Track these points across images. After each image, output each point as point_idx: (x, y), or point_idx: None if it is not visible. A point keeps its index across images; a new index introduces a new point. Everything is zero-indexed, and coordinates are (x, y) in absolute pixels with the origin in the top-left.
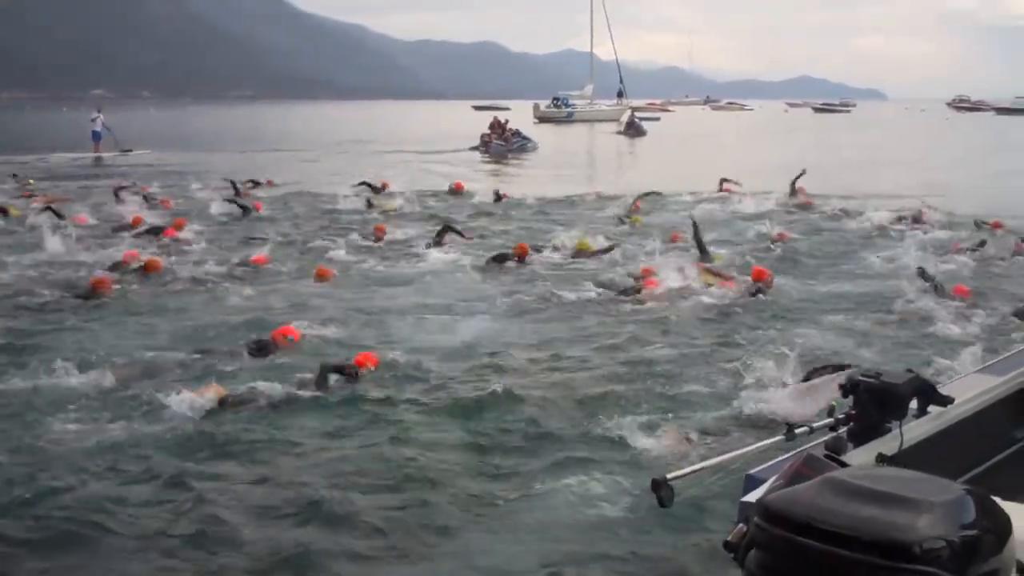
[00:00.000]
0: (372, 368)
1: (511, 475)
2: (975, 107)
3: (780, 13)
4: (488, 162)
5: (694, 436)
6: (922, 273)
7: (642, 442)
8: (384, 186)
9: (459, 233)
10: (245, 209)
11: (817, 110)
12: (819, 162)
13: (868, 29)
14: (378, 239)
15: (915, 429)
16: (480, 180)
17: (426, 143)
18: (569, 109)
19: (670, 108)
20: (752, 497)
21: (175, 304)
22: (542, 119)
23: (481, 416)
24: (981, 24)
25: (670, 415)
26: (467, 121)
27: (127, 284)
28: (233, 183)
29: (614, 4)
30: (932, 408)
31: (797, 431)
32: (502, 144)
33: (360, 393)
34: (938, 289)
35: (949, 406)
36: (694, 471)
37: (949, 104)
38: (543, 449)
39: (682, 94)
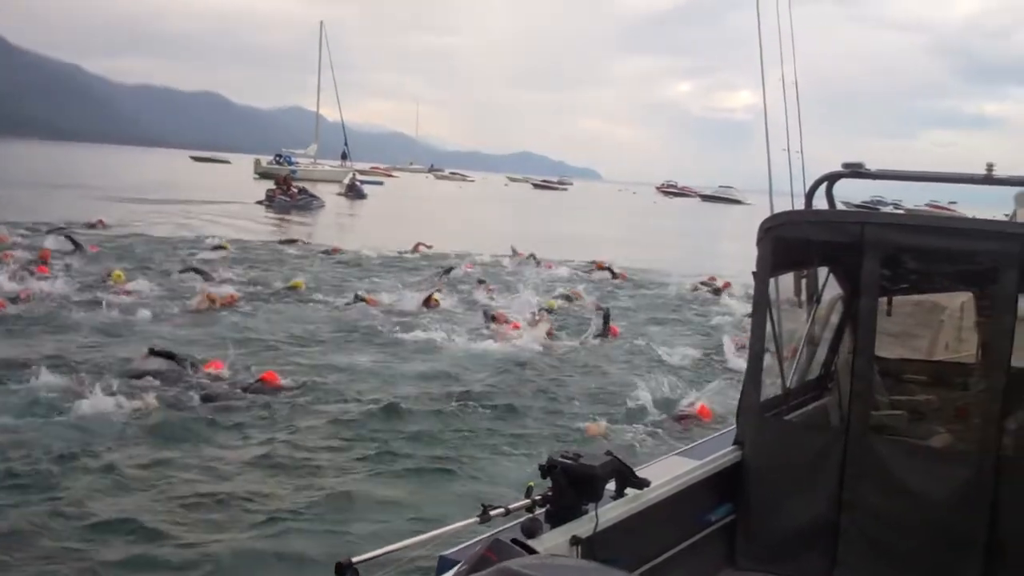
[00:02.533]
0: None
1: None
2: (681, 192)
3: (505, 90)
4: (273, 216)
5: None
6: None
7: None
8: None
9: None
10: (78, 245)
11: (536, 186)
12: (538, 234)
13: (587, 111)
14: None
15: (612, 511)
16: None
17: (203, 193)
18: (292, 167)
19: (394, 174)
20: None
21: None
22: (263, 175)
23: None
24: (691, 115)
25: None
26: (193, 172)
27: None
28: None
29: (345, 66)
30: (629, 490)
31: (492, 512)
32: (287, 200)
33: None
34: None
35: (646, 488)
36: (384, 553)
37: (658, 188)
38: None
39: (407, 161)
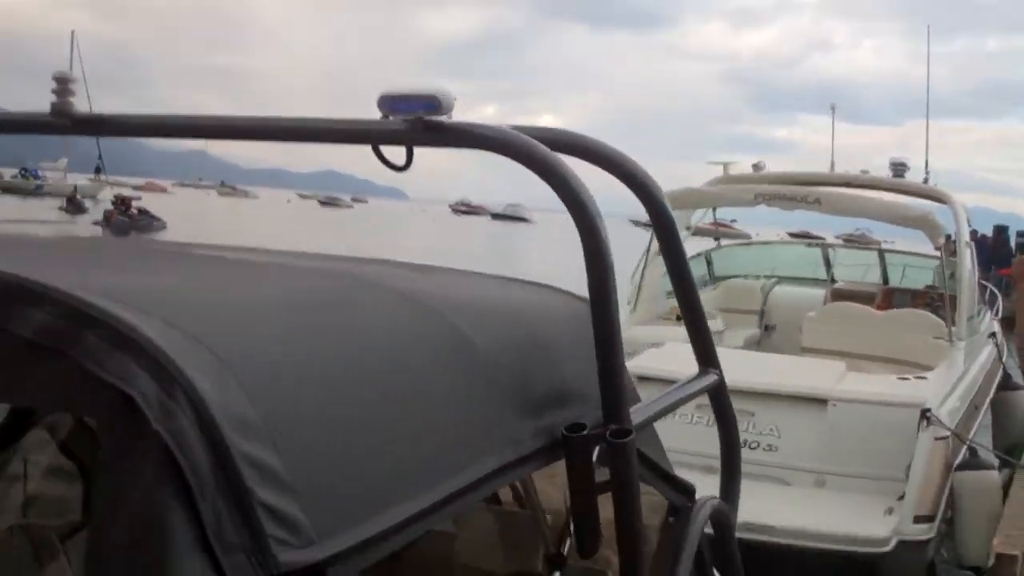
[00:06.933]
0: None
1: None
2: (473, 211)
3: (307, 109)
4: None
5: None
6: None
7: None
8: None
9: None
10: None
11: (323, 203)
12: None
13: None
14: None
15: None
16: None
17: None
18: (39, 182)
19: (170, 190)
20: None
21: None
22: (6, 189)
23: None
24: None
25: None
26: None
27: None
28: None
29: (144, 83)
30: None
31: None
32: (126, 220)
33: None
34: None
35: None
36: None
37: (452, 207)
38: None
39: (196, 177)
